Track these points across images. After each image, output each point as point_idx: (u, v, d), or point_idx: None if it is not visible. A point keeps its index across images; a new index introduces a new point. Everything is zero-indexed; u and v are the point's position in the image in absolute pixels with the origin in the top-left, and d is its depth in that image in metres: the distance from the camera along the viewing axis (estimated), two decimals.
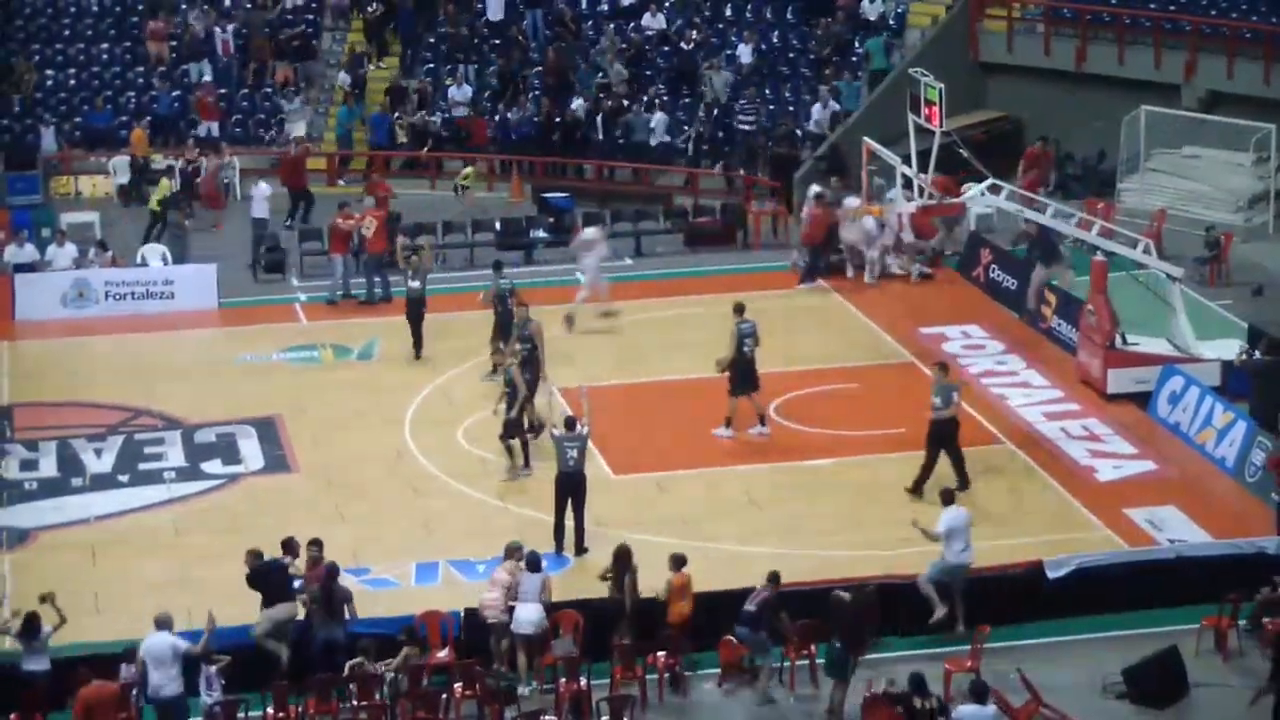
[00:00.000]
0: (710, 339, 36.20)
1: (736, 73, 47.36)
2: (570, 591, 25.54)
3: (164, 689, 22.88)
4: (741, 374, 31.37)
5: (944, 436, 29.28)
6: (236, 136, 47.66)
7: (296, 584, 24.77)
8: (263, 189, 41.73)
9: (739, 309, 31.78)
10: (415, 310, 35.30)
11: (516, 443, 30.28)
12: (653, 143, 45.66)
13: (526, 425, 30.49)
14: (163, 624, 23.15)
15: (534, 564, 24.88)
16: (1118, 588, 26.02)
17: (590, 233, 38.77)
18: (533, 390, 30.74)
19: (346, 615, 24.30)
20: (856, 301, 38.44)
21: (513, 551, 25.15)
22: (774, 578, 24.71)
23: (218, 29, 49.48)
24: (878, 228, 39.20)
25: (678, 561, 25.00)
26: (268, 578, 24.50)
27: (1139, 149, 42.94)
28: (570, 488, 27.91)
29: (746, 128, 45.26)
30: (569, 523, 27.90)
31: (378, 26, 49.64)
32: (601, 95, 46.39)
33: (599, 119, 46.06)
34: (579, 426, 27.96)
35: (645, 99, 46.35)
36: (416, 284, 35.25)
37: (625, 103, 46.26)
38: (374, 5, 49.63)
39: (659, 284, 39.55)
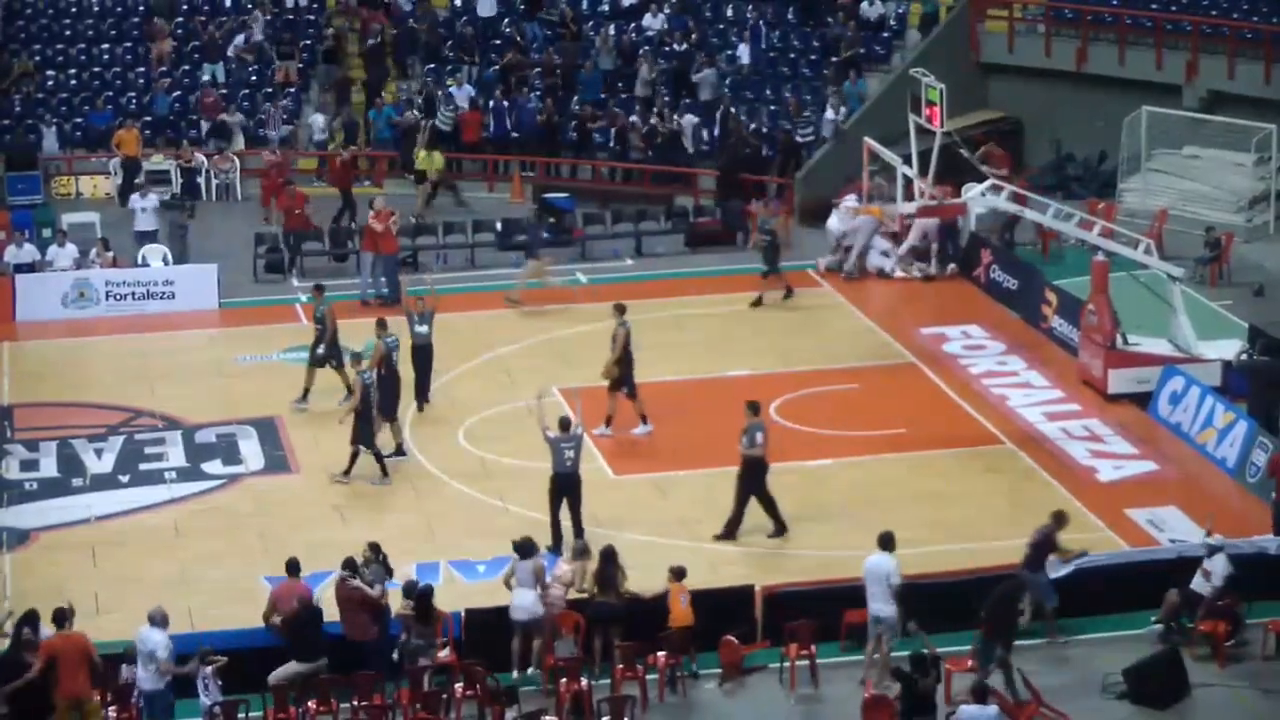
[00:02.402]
0: (710, 339, 36.35)
1: (737, 73, 47.40)
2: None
3: (144, 683, 22.99)
4: (627, 373, 31.52)
5: (751, 476, 28.30)
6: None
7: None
8: (151, 200, 41.45)
9: (620, 308, 31.86)
10: (423, 357, 32.74)
11: (365, 453, 30.31)
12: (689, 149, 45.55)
13: (395, 446, 30.89)
14: (154, 620, 23.15)
15: (525, 551, 24.95)
16: (1118, 588, 26.00)
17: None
18: (391, 412, 30.96)
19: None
20: (857, 301, 38.44)
21: (580, 552, 25.45)
22: (1059, 517, 25.61)
23: (240, 35, 49.54)
24: (874, 228, 39.41)
25: (676, 574, 25.05)
26: (304, 629, 24.13)
27: (1140, 149, 42.92)
28: (566, 488, 27.92)
29: (803, 139, 45.13)
30: (566, 521, 27.92)
31: (377, 55, 49.42)
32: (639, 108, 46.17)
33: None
34: (574, 427, 27.97)
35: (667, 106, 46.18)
36: (424, 329, 32.61)
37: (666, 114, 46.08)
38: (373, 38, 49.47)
39: (659, 284, 39.54)
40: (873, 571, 24.32)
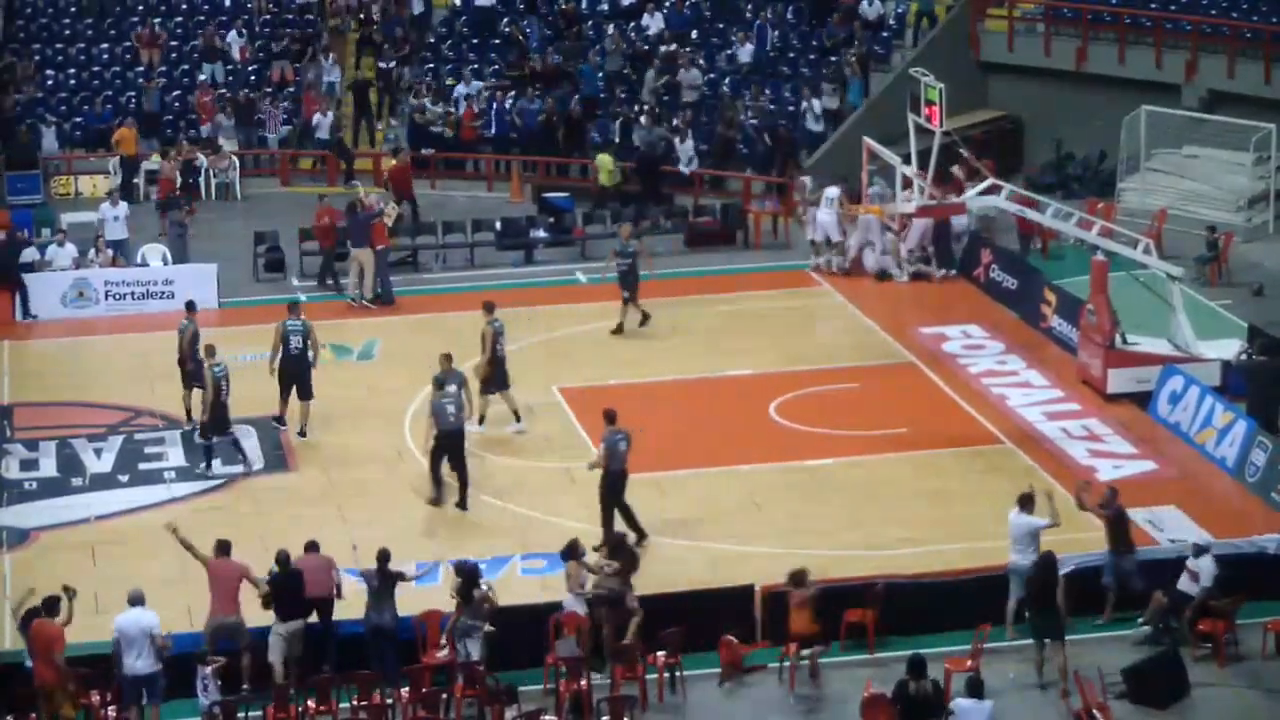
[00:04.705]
0: (710, 339, 36.34)
1: (737, 71, 47.44)
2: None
3: (143, 669, 23.08)
4: (498, 372, 31.69)
5: (615, 488, 27.92)
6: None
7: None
8: (121, 207, 41.37)
9: (489, 307, 31.97)
10: (454, 444, 29.40)
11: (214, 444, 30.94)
12: (684, 170, 45.13)
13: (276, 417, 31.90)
14: (135, 600, 23.31)
15: (562, 555, 25.37)
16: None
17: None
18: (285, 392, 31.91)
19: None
20: (856, 301, 38.44)
21: (613, 548, 25.55)
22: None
23: (233, 32, 49.56)
24: (878, 228, 39.44)
25: (794, 580, 24.87)
26: (284, 587, 24.37)
27: (1139, 149, 42.94)
28: (449, 446, 28.68)
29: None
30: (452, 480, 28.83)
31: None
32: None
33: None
34: (449, 385, 28.91)
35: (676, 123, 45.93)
36: (452, 389, 29.68)
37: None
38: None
39: (659, 284, 39.45)
40: (1016, 526, 25.43)
